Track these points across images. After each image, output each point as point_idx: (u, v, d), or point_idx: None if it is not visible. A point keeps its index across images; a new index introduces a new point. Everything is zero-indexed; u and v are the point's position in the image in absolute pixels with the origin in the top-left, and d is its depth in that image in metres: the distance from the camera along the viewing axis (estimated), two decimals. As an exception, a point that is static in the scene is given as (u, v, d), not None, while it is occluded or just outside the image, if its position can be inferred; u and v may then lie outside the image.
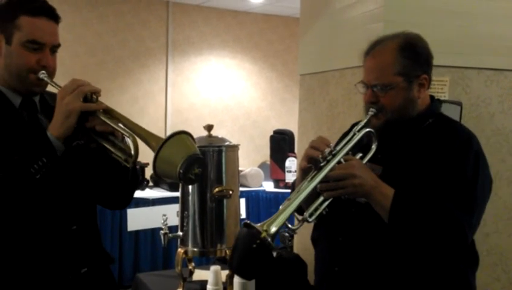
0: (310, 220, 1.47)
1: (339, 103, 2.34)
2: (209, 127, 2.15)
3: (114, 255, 4.50)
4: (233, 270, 1.43)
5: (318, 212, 1.48)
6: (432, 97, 1.69)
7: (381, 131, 1.60)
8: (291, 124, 6.06)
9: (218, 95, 7.05)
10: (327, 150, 1.50)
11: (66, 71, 5.87)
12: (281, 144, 5.47)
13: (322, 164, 1.49)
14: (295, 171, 3.45)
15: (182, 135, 1.36)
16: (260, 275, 1.45)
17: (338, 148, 1.52)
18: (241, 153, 2.24)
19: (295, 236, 2.69)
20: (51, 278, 1.52)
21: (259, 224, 1.35)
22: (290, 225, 1.44)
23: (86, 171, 1.59)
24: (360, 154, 1.57)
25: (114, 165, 1.50)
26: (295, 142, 5.13)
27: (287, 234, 3.02)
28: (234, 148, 2.16)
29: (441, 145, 1.54)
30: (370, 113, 1.59)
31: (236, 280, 1.80)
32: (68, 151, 1.46)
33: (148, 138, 1.37)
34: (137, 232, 4.62)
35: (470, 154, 1.53)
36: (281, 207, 1.44)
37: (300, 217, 1.49)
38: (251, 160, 6.79)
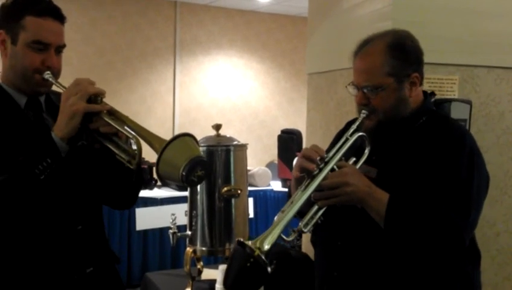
0: (305, 230, 1.47)
1: (347, 101, 2.33)
2: (217, 127, 2.15)
3: (123, 254, 4.54)
4: (227, 287, 1.44)
5: (313, 221, 1.47)
6: (425, 93, 1.66)
7: (374, 132, 1.58)
8: (299, 124, 6.04)
9: (225, 94, 7.05)
10: (319, 158, 1.48)
11: (74, 71, 5.88)
12: (288, 143, 5.46)
13: (314, 173, 1.47)
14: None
15: (185, 137, 1.36)
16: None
17: (330, 154, 1.51)
18: (249, 153, 2.24)
19: (304, 236, 2.70)
20: (56, 278, 1.52)
21: (251, 242, 1.35)
22: (284, 237, 1.43)
23: (90, 172, 1.59)
24: (354, 159, 1.56)
25: (118, 166, 1.49)
26: (303, 141, 5.12)
27: (295, 234, 3.00)
28: (242, 147, 2.16)
29: (434, 144, 1.52)
30: (362, 115, 1.58)
31: (245, 279, 1.80)
32: (72, 151, 1.47)
33: (151, 140, 1.37)
34: (145, 231, 4.63)
35: (464, 153, 1.51)
36: (275, 219, 1.43)
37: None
38: (259, 159, 6.79)
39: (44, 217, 1.49)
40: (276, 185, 5.42)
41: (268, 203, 5.24)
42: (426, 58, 1.92)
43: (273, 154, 6.31)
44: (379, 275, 1.54)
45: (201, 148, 2.07)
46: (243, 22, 7.14)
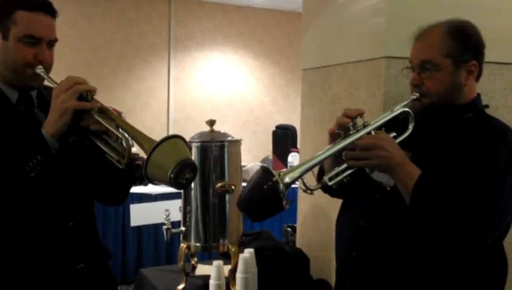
0: (329, 183, 1.46)
1: (341, 97, 2.33)
2: (211, 122, 2.14)
3: (117, 250, 4.54)
4: (238, 205, 1.47)
5: (339, 178, 1.47)
6: (478, 94, 1.64)
7: (423, 114, 1.56)
8: (293, 120, 6.05)
9: (220, 90, 7.05)
10: (360, 120, 1.49)
11: (68, 67, 5.88)
12: (283, 139, 5.47)
13: (351, 132, 1.48)
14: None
15: (174, 139, 1.36)
16: (263, 218, 1.48)
17: (371, 121, 1.50)
18: (244, 148, 2.24)
19: (298, 232, 2.70)
20: (48, 275, 1.52)
21: (275, 171, 1.39)
22: (307, 184, 1.46)
23: (81, 169, 1.59)
24: (394, 134, 1.54)
25: (109, 163, 1.49)
26: (298, 137, 5.12)
27: (289, 229, 3.01)
28: (236, 143, 2.15)
29: (474, 138, 1.50)
30: (412, 97, 1.56)
31: (239, 275, 1.79)
32: (63, 148, 1.46)
33: (141, 140, 1.37)
34: (140, 227, 4.63)
35: (503, 148, 1.47)
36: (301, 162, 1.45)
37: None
38: (253, 155, 6.80)
39: (35, 214, 1.49)
40: (271, 181, 5.41)
41: (263, 199, 5.23)
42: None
43: (267, 149, 6.31)
44: (397, 261, 1.54)
45: (195, 144, 2.07)
46: (238, 17, 7.13)
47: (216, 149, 2.07)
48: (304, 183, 1.46)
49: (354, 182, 1.53)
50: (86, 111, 1.44)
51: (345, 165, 1.47)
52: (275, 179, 1.36)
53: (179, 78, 6.81)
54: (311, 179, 1.52)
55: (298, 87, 2.91)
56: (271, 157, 5.77)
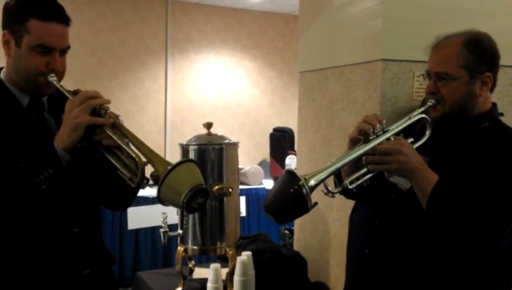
0: (350, 187, 1.51)
1: (338, 99, 2.33)
2: (208, 125, 2.14)
3: (114, 253, 4.51)
4: (264, 207, 1.51)
5: (359, 182, 1.52)
6: (494, 104, 1.67)
7: (437, 124, 1.60)
8: (291, 122, 6.05)
9: (217, 93, 7.05)
10: (379, 126, 1.53)
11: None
12: (280, 141, 5.47)
13: (371, 138, 1.52)
14: (295, 169, 3.45)
15: (188, 164, 1.38)
16: (289, 220, 1.55)
17: (390, 127, 1.55)
18: (241, 151, 2.24)
19: (295, 234, 2.70)
20: (54, 280, 1.52)
21: (300, 174, 1.44)
22: (329, 187, 1.50)
23: (90, 179, 1.60)
24: (412, 139, 1.58)
25: (116, 172, 1.49)
26: (295, 139, 5.12)
27: (287, 232, 3.01)
28: (234, 146, 2.15)
29: (491, 148, 1.53)
30: (429, 103, 1.60)
31: (237, 277, 1.79)
32: (73, 161, 1.47)
33: (154, 159, 1.38)
34: (137, 230, 4.63)
35: None
36: (323, 166, 1.48)
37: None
38: (251, 158, 6.79)
39: (41, 221, 1.49)
40: (269, 184, 5.41)
41: (261, 202, 5.22)
42: (417, 56, 1.92)
43: (265, 152, 6.31)
44: (409, 260, 1.58)
45: (192, 147, 2.07)
46: (234, 20, 7.13)
47: (213, 152, 2.07)
48: (326, 187, 1.50)
49: (371, 185, 1.57)
50: (99, 126, 1.44)
51: (364, 170, 1.52)
52: (300, 182, 1.41)
53: (176, 80, 6.80)
54: (328, 182, 1.55)
55: (295, 90, 2.92)
56: (268, 160, 5.77)
